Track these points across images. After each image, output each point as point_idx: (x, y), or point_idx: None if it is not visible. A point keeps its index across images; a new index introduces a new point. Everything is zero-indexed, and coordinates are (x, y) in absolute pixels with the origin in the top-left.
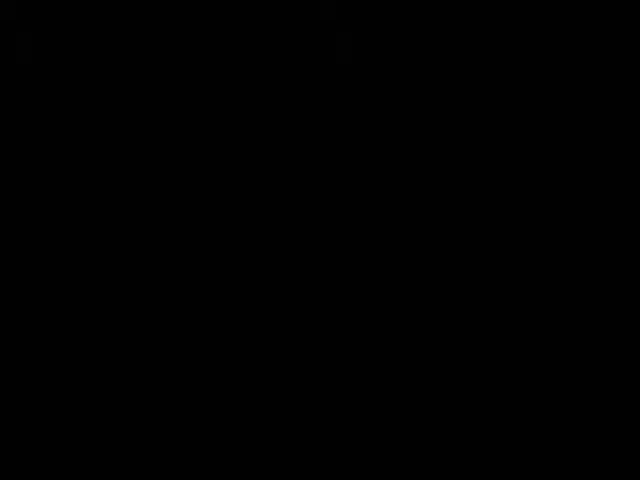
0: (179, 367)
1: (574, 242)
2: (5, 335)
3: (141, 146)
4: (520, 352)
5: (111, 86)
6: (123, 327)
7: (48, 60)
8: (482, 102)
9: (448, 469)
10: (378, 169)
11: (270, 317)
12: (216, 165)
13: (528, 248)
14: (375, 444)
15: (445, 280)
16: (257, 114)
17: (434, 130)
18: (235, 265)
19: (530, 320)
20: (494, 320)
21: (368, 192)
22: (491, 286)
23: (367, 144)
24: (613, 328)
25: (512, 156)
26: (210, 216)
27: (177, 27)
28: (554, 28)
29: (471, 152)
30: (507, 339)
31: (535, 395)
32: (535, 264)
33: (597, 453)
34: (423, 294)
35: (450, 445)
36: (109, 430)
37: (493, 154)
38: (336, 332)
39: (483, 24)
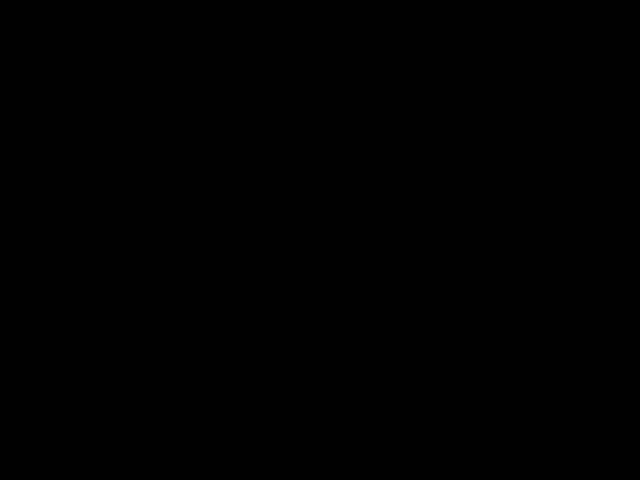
0: (179, 367)
1: (574, 242)
2: (5, 335)
3: (141, 146)
4: (520, 352)
5: (111, 86)
6: (123, 327)
7: (48, 60)
8: (482, 102)
9: (448, 469)
10: (378, 169)
11: (270, 317)
12: (216, 164)
13: (528, 248)
14: (375, 444)
15: (445, 280)
16: (257, 114)
17: (434, 130)
18: (235, 265)
19: (530, 320)
20: (494, 320)
21: (368, 191)
22: (491, 286)
23: (367, 144)
24: (613, 328)
25: (512, 156)
26: (210, 215)
27: (177, 27)
28: (554, 28)
29: (471, 152)
30: (507, 339)
31: (535, 395)
32: (535, 264)
33: (597, 453)
34: (423, 294)
35: (450, 445)
36: (109, 430)
37: (493, 154)
38: (336, 332)
39: (483, 24)
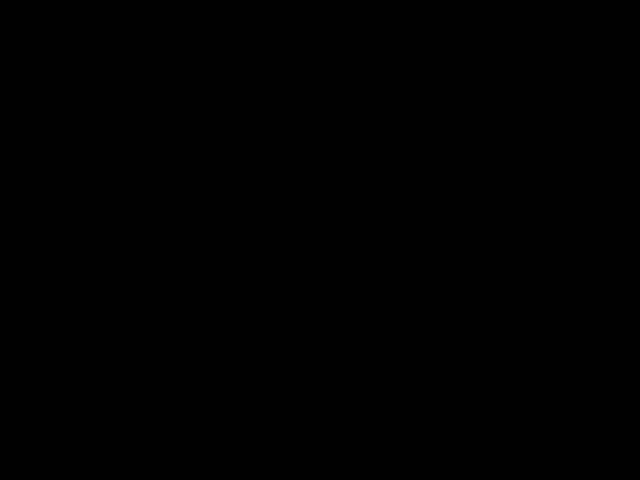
0: (179, 367)
1: (574, 242)
2: (5, 335)
3: (134, 138)
4: (520, 352)
5: (110, 86)
6: (123, 327)
7: (48, 59)
8: (463, 58)
9: (448, 469)
10: (362, 130)
11: (270, 317)
12: (206, 150)
13: (528, 248)
14: (375, 444)
15: (442, 277)
16: (240, 74)
17: (419, 89)
18: (225, 262)
19: (530, 320)
20: (494, 320)
21: (352, 156)
22: (491, 286)
23: (350, 100)
24: (613, 328)
25: (504, 136)
26: (198, 196)
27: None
28: (552, 20)
29: (453, 112)
30: (507, 339)
31: (535, 395)
32: (535, 264)
33: (597, 453)
34: (420, 292)
35: (450, 445)
36: (109, 430)
37: (479, 120)
38: (336, 332)
39: None
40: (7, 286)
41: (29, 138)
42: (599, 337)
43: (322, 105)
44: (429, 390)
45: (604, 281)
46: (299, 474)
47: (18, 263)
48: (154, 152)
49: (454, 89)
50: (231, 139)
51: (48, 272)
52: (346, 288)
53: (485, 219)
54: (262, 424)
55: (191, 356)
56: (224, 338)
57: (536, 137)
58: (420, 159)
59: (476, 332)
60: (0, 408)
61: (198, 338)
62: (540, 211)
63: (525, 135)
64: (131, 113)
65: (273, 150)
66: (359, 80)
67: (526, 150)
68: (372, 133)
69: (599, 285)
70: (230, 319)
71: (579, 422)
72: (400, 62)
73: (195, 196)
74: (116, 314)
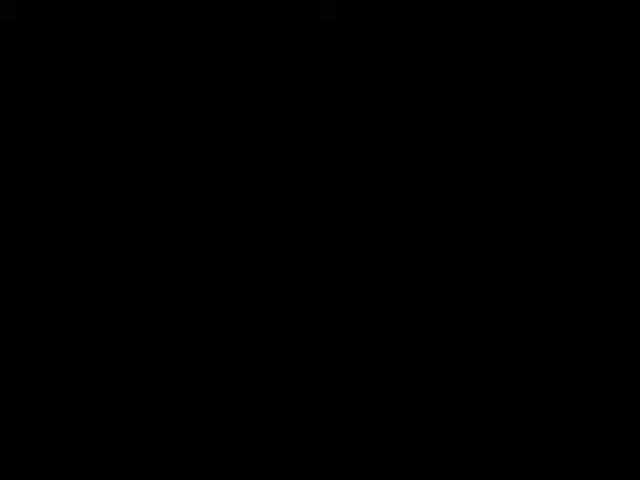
0: (179, 367)
1: (574, 242)
2: (5, 335)
3: (134, 138)
4: (520, 352)
5: (110, 85)
6: (123, 327)
7: (45, 57)
8: (465, 60)
9: (448, 469)
10: (363, 129)
11: (270, 317)
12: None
13: (528, 247)
14: (375, 444)
15: (442, 277)
16: (239, 74)
17: (418, 88)
18: (225, 262)
19: (530, 320)
20: (494, 320)
21: (350, 153)
22: (491, 286)
23: (350, 100)
24: (613, 328)
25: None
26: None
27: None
28: (552, 20)
29: (450, 108)
30: (507, 339)
31: (535, 395)
32: (535, 264)
33: (597, 453)
34: (420, 292)
35: (450, 445)
36: (109, 430)
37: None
38: (336, 332)
39: None
40: (7, 286)
41: (29, 138)
42: (599, 337)
43: (322, 105)
44: (429, 390)
45: (604, 281)
46: (299, 474)
47: (18, 263)
48: (154, 152)
49: (454, 89)
50: (231, 139)
51: (48, 272)
52: (346, 288)
53: (485, 219)
54: (262, 424)
55: (191, 356)
56: (224, 338)
57: (536, 137)
58: (420, 159)
59: (476, 332)
60: (0, 408)
61: (198, 338)
62: (540, 211)
63: (525, 135)
64: (131, 113)
65: (273, 150)
66: (359, 80)
67: (526, 150)
68: (372, 133)
69: (599, 285)
70: (230, 319)
71: (579, 422)
72: (400, 62)
73: (195, 196)
74: (116, 314)
